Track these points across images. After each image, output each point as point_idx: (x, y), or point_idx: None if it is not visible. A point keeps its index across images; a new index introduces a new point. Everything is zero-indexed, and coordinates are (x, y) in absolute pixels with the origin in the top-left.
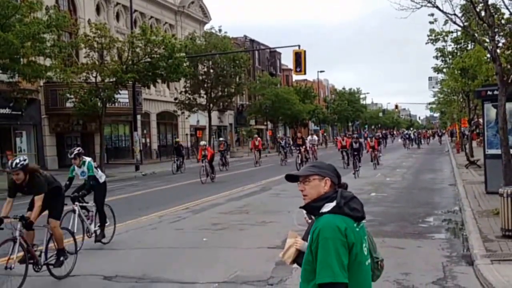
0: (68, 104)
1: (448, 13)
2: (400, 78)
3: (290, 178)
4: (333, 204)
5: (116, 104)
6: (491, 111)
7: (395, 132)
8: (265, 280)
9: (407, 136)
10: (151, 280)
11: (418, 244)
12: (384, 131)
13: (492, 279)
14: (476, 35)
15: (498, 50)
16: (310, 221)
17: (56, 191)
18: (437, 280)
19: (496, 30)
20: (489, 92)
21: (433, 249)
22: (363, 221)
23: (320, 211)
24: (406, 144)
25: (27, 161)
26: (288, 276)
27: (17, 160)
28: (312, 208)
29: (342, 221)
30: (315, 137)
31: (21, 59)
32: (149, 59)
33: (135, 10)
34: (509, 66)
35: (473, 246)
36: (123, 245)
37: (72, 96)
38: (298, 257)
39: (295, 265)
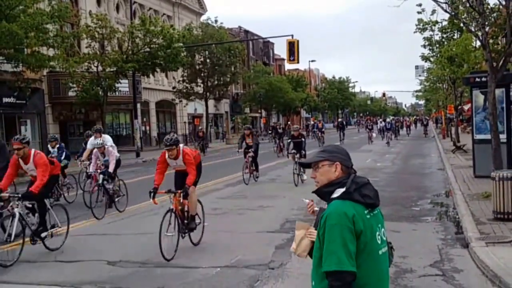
0: (70, 93)
1: (439, 1)
2: (388, 67)
3: (304, 165)
4: (343, 189)
5: (117, 93)
6: (479, 98)
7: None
8: (266, 264)
9: (386, 126)
10: (155, 265)
11: (413, 228)
12: (340, 119)
13: (488, 261)
14: (465, 21)
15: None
16: (316, 209)
17: None
18: (434, 263)
19: (485, 18)
20: (477, 79)
21: (428, 232)
22: (377, 208)
23: (331, 197)
24: (372, 138)
25: None
26: (289, 260)
27: None
28: (323, 193)
29: (351, 207)
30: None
31: (25, 49)
32: (148, 49)
33: (135, 2)
34: (494, 55)
35: (467, 229)
36: (126, 230)
37: (74, 85)
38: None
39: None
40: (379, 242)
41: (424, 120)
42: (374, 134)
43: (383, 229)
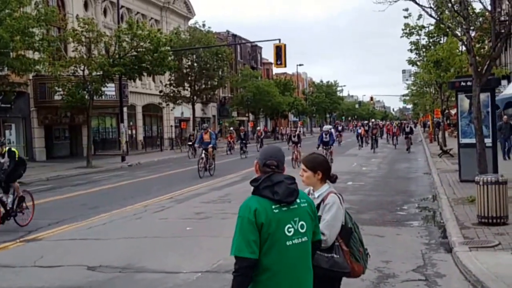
0: (56, 97)
1: (424, 6)
2: (375, 71)
3: None
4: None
5: (103, 96)
6: (464, 102)
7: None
8: None
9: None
10: (135, 270)
11: (397, 232)
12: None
13: (471, 266)
14: (451, 26)
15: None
16: None
17: None
18: (417, 268)
19: (470, 23)
20: (462, 83)
21: (412, 236)
22: (298, 203)
23: None
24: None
25: None
26: None
27: None
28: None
29: (256, 202)
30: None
31: (11, 53)
32: (135, 53)
33: (122, 6)
34: (479, 59)
35: (451, 234)
36: (108, 234)
37: (60, 89)
38: None
39: None
40: (289, 234)
41: (407, 126)
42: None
43: (301, 222)
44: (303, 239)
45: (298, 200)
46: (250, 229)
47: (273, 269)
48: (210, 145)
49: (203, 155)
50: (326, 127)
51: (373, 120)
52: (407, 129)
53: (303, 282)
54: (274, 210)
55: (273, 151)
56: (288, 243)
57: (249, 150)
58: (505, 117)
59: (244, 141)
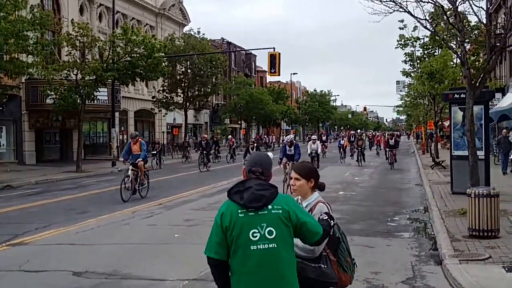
0: (48, 101)
1: (419, 18)
2: (369, 81)
3: None
4: None
5: (95, 101)
6: (457, 114)
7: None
8: None
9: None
10: (121, 277)
11: (387, 243)
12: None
13: (461, 279)
14: (445, 38)
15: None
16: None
17: None
18: (406, 280)
19: (464, 35)
20: (456, 95)
21: (402, 248)
22: (267, 209)
23: None
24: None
25: None
26: None
27: None
28: None
29: (225, 206)
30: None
31: (4, 56)
32: (129, 58)
33: (117, 11)
34: (473, 71)
35: (441, 246)
36: (94, 240)
37: (52, 93)
38: None
39: None
40: (254, 238)
41: (391, 138)
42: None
43: (269, 228)
44: (270, 245)
45: (269, 206)
46: (216, 231)
47: (238, 272)
48: (140, 159)
49: (129, 172)
50: (289, 137)
51: (358, 130)
52: (391, 142)
53: None
54: (240, 214)
55: (258, 159)
56: (252, 247)
57: (221, 161)
58: (504, 130)
59: (205, 151)
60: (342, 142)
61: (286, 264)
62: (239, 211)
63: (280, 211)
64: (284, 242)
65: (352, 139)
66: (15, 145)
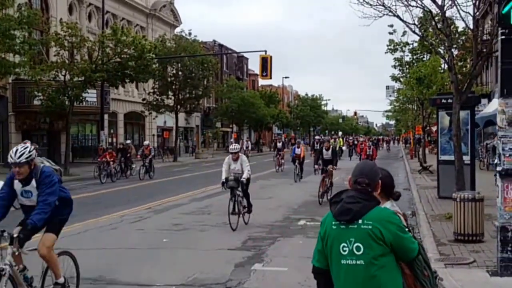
0: (35, 102)
1: (408, 23)
2: (360, 86)
3: None
4: None
5: (84, 103)
6: (445, 119)
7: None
8: (223, 283)
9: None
10: (107, 282)
11: None
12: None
13: (446, 283)
14: (434, 43)
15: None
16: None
17: None
18: None
19: (452, 41)
20: (443, 100)
21: None
22: (358, 223)
23: None
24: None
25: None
26: (247, 279)
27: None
28: None
29: (326, 216)
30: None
31: None
32: (118, 59)
33: (107, 11)
34: (460, 77)
35: (427, 250)
36: (81, 245)
37: (40, 94)
38: None
39: (253, 267)
40: (344, 253)
41: (369, 147)
42: (283, 161)
43: (357, 244)
44: (358, 262)
45: (360, 221)
46: (318, 239)
47: (335, 284)
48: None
49: None
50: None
51: (320, 135)
52: (369, 151)
53: None
54: (333, 226)
55: (365, 169)
56: (343, 261)
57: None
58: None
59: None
60: (297, 151)
61: (374, 284)
62: (333, 222)
63: (370, 227)
64: (373, 260)
65: (317, 146)
66: (1, 147)
